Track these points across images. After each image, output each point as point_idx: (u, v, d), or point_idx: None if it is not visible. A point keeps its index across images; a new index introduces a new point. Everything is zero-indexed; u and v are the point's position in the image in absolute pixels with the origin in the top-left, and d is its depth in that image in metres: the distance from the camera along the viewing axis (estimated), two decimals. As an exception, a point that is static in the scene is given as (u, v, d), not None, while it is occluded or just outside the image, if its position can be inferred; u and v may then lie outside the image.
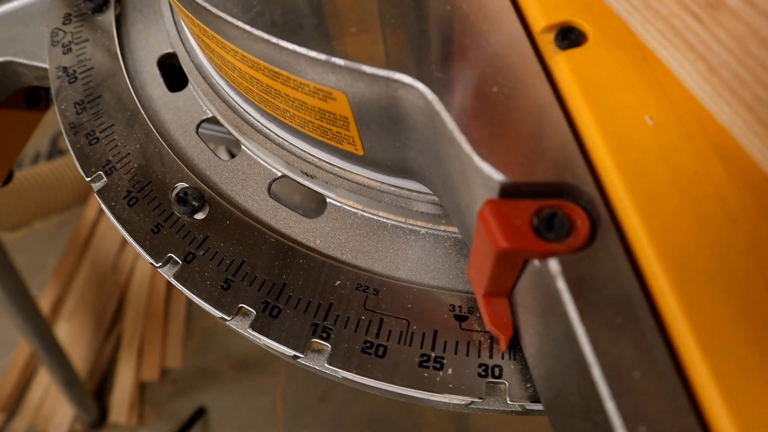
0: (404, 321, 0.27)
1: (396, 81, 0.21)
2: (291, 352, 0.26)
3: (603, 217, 0.18)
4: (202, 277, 0.28)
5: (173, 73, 0.36)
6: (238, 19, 0.23)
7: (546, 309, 0.19)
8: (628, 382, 0.16)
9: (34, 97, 0.49)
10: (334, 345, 0.26)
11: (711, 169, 0.19)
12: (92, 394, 1.23)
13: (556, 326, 0.18)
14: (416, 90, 0.21)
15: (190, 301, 1.36)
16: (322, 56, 0.21)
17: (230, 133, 0.34)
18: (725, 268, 0.17)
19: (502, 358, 0.25)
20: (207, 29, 0.25)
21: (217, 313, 0.27)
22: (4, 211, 1.26)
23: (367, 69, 0.21)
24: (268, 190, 0.31)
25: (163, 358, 1.29)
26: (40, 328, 1.03)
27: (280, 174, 0.31)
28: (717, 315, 0.16)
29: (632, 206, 0.18)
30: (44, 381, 1.24)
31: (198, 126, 0.33)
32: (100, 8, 0.38)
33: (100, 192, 0.31)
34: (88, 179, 0.32)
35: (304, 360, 0.26)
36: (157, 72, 0.36)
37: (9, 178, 0.51)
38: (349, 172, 0.29)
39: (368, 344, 0.26)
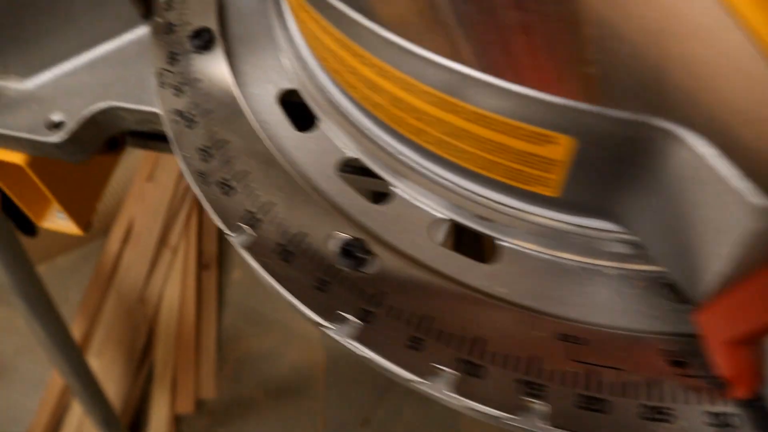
0: (617, 371, 0.25)
1: (656, 127, 0.19)
2: (499, 413, 0.24)
3: None
4: (386, 337, 0.26)
5: (291, 110, 0.34)
6: (456, 61, 0.21)
7: None
8: None
9: (112, 140, 0.47)
10: (547, 402, 0.24)
11: None
12: (127, 430, 1.19)
13: None
14: (678, 136, 0.19)
15: (220, 330, 1.33)
16: (559, 100, 0.19)
17: (368, 177, 0.32)
18: None
19: (729, 406, 0.24)
20: (391, 70, 0.23)
21: (410, 376, 0.25)
22: (28, 245, 1.23)
23: (622, 115, 0.19)
24: (433, 234, 0.29)
25: (197, 390, 1.26)
26: (77, 363, 1.00)
27: (443, 217, 0.29)
28: None
29: None
30: (77, 418, 1.20)
31: (340, 168, 0.31)
32: (208, 46, 0.36)
33: (248, 248, 0.29)
34: (232, 234, 0.30)
35: (515, 422, 0.24)
36: (280, 110, 0.34)
37: (89, 225, 0.48)
38: (532, 214, 0.27)
39: (583, 399, 0.24)
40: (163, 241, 1.35)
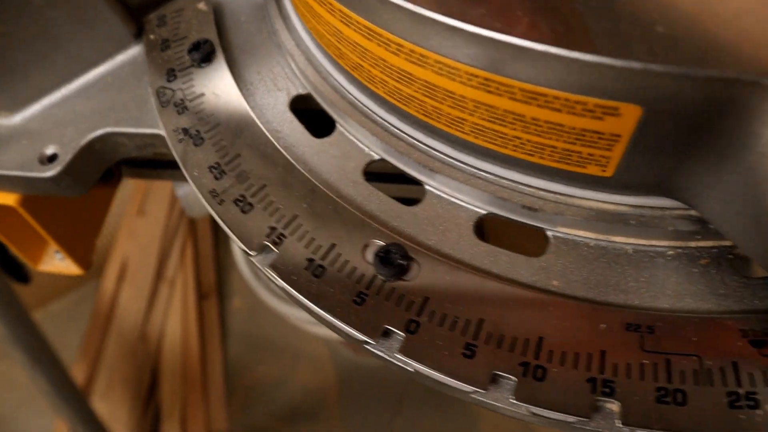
0: (695, 358, 0.23)
1: (738, 81, 0.17)
2: (572, 419, 0.22)
3: None
4: (435, 347, 0.24)
5: (304, 118, 0.32)
6: (510, 35, 0.19)
7: None
8: None
9: (108, 172, 0.45)
10: (623, 400, 0.22)
11: None
12: (140, 473, 1.16)
13: None
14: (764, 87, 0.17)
15: (226, 360, 1.30)
16: (637, 64, 0.18)
17: (394, 180, 0.30)
18: None
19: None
20: (430, 54, 0.22)
21: (468, 388, 0.23)
22: (21, 292, 1.20)
23: (700, 72, 0.17)
24: (475, 232, 0.27)
25: (208, 423, 1.23)
26: (81, 407, 0.96)
27: (484, 212, 0.27)
28: None
29: None
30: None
31: (365, 172, 0.29)
32: (209, 57, 0.34)
33: (273, 267, 0.27)
34: (254, 254, 0.28)
35: (589, 425, 0.22)
36: (293, 117, 0.32)
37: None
38: (583, 198, 0.25)
39: (662, 392, 0.22)
40: (159, 274, 1.32)
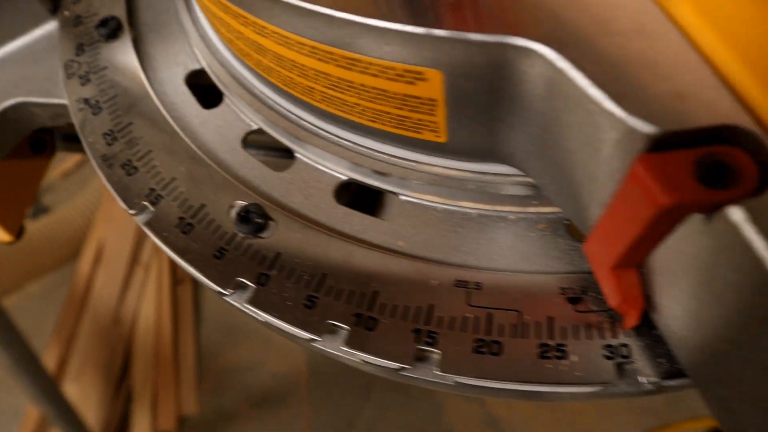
0: (515, 312, 0.24)
1: (510, 46, 0.19)
2: (395, 365, 0.24)
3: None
4: (281, 299, 0.26)
5: (201, 92, 0.34)
6: (317, 4, 0.21)
7: (715, 263, 0.17)
8: None
9: (39, 143, 0.47)
10: (443, 349, 0.24)
11: None
12: (110, 453, 1.18)
13: (735, 280, 0.16)
14: (533, 52, 0.19)
15: (199, 345, 1.32)
16: (420, 30, 0.19)
17: (275, 148, 0.32)
18: None
19: (626, 336, 0.23)
20: (267, 25, 0.23)
21: (304, 335, 0.25)
22: (-4, 275, 1.22)
23: (475, 37, 0.19)
24: (334, 196, 0.29)
25: (179, 406, 1.25)
26: (50, 391, 0.99)
27: (345, 178, 0.29)
28: None
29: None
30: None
31: (244, 140, 0.31)
32: (115, 34, 0.36)
33: (147, 224, 0.29)
34: (132, 212, 0.29)
35: (411, 372, 0.24)
36: (187, 90, 0.34)
37: (21, 231, 0.48)
38: (426, 164, 0.27)
39: (480, 343, 0.24)
40: (134, 259, 1.34)
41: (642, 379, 0.23)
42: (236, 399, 1.27)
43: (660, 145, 0.17)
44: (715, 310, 0.18)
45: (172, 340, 1.29)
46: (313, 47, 0.23)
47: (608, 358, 0.23)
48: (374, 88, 0.23)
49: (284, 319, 0.25)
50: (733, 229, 0.16)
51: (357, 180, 0.29)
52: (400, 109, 0.24)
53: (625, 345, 0.23)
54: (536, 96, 0.20)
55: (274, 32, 0.24)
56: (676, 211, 0.17)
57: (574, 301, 0.25)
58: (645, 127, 0.17)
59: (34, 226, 1.29)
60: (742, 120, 0.17)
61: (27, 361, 0.93)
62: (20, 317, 1.30)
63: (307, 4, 0.21)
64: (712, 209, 0.16)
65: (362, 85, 0.23)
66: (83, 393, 1.22)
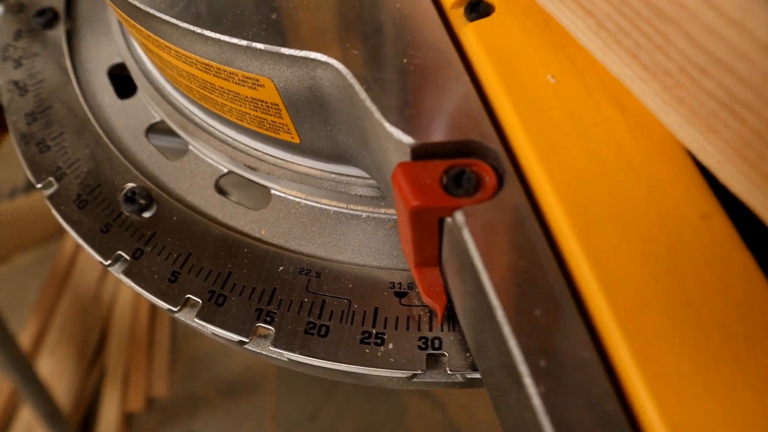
0: (345, 300, 0.27)
1: (313, 60, 0.22)
2: (236, 337, 0.27)
3: (507, 169, 0.19)
4: (150, 272, 0.29)
5: (124, 83, 0.37)
6: (165, 14, 0.23)
7: (462, 264, 0.20)
8: (529, 320, 0.17)
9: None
10: (278, 328, 0.27)
11: (610, 119, 0.20)
12: (77, 428, 1.21)
13: (470, 280, 0.19)
14: (332, 67, 0.22)
15: (175, 329, 1.35)
16: (243, 42, 0.22)
17: (178, 138, 0.35)
18: (623, 208, 0.18)
19: (442, 330, 0.26)
20: (142, 29, 0.26)
21: (164, 305, 0.28)
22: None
23: (285, 51, 0.22)
24: (215, 186, 0.32)
25: (149, 388, 1.28)
26: (20, 364, 1.02)
27: (226, 170, 0.32)
28: (614, 249, 0.17)
29: (534, 156, 0.19)
30: (26, 419, 1.22)
31: (147, 130, 0.34)
32: (51, 23, 0.39)
33: (50, 197, 0.32)
34: (39, 185, 0.33)
35: (249, 345, 0.27)
36: (107, 81, 0.37)
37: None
38: (290, 162, 0.29)
39: (311, 325, 0.27)
40: (119, 241, 1.38)
41: (450, 371, 0.25)
42: (205, 385, 1.31)
43: (420, 154, 0.20)
44: (462, 305, 0.21)
45: (148, 323, 1.32)
46: (177, 51, 0.26)
47: (421, 348, 0.26)
48: (230, 90, 0.26)
49: (149, 291, 0.28)
50: (459, 230, 0.19)
51: (236, 172, 0.32)
52: (255, 111, 0.27)
53: (438, 338, 0.26)
54: (342, 103, 0.23)
55: (149, 36, 0.27)
56: (426, 215, 0.20)
57: (400, 295, 0.27)
58: (405, 138, 0.20)
59: (24, 201, 1.33)
60: (491, 138, 0.20)
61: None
62: (5, 288, 1.35)
63: (160, 14, 0.24)
64: (453, 213, 0.19)
65: (221, 87, 0.26)
66: (57, 367, 1.26)
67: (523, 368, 0.16)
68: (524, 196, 0.18)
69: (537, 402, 0.16)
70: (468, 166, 0.19)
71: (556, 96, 0.20)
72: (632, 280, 0.17)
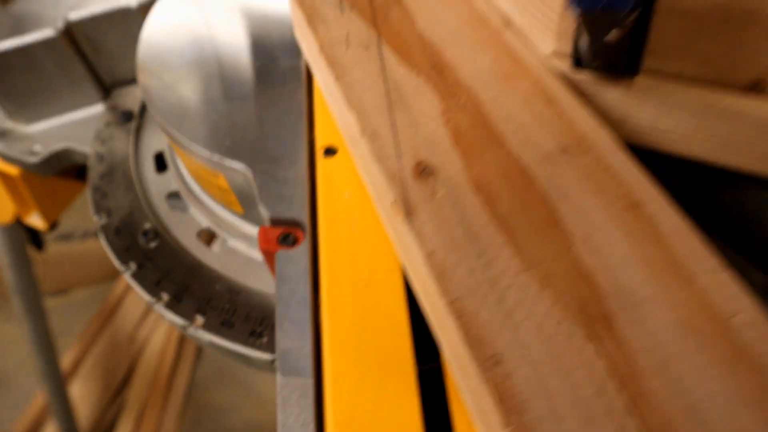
0: (246, 309, 0.45)
1: (227, 165, 0.41)
2: (183, 322, 0.45)
3: (308, 237, 0.37)
4: (146, 278, 0.48)
5: (163, 163, 0.58)
6: (173, 131, 0.44)
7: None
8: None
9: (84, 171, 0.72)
10: (207, 319, 0.45)
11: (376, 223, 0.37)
12: (90, 451, 1.37)
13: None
14: (239, 170, 0.41)
15: (193, 379, 1.52)
16: (207, 153, 0.42)
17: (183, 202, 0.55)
18: (367, 282, 0.36)
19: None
20: (169, 138, 0.47)
21: (150, 298, 0.46)
22: (51, 277, 1.50)
23: (212, 156, 0.42)
24: (197, 234, 0.51)
25: (159, 427, 1.44)
26: (59, 383, 1.18)
27: (205, 226, 0.52)
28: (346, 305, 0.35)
29: (323, 233, 0.37)
30: (51, 433, 1.39)
31: (168, 195, 0.55)
32: (128, 119, 0.61)
33: (102, 227, 0.52)
34: (96, 216, 0.53)
35: (190, 330, 0.45)
36: (152, 161, 0.58)
37: (54, 226, 0.73)
38: (236, 224, 0.49)
39: (226, 320, 0.45)
40: (162, 293, 1.59)
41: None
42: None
43: (273, 221, 0.38)
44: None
45: (170, 369, 1.50)
46: (182, 152, 0.46)
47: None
48: (207, 178, 0.46)
49: (144, 289, 0.47)
50: (278, 259, 0.37)
51: (209, 228, 0.51)
52: (221, 190, 0.46)
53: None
54: (250, 190, 0.42)
55: (172, 142, 0.47)
56: (269, 252, 0.38)
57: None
58: (266, 214, 0.38)
59: (92, 243, 1.58)
60: (305, 221, 0.38)
61: (49, 355, 1.12)
62: (60, 316, 1.58)
63: (171, 130, 0.44)
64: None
65: (202, 176, 0.46)
66: (85, 393, 1.44)
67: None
68: (310, 249, 0.36)
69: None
70: (292, 232, 0.38)
71: (346, 204, 0.38)
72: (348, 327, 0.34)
